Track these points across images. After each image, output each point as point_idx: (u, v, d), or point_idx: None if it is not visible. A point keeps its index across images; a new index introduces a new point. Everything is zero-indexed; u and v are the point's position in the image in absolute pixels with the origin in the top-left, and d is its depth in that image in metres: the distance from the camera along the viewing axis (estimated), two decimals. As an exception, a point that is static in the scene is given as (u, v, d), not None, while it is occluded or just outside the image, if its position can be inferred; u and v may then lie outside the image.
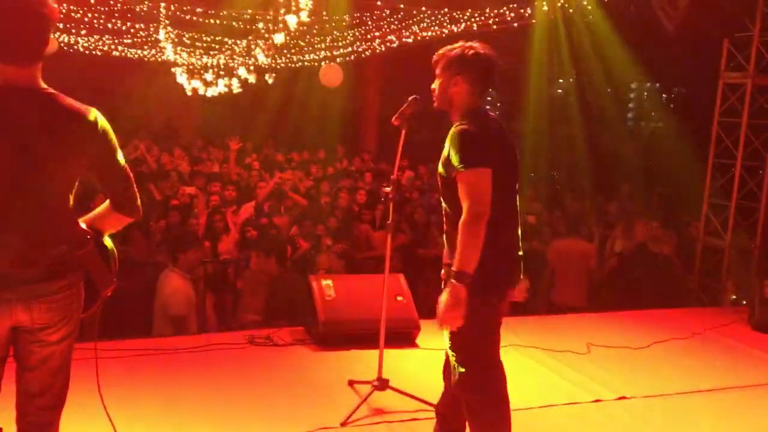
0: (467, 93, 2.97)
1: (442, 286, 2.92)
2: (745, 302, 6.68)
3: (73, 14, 10.27)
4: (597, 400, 4.24)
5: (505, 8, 9.00)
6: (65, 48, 13.56)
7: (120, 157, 2.49)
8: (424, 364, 4.54)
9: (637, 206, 9.64)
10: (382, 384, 3.89)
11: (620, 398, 4.29)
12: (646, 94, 19.90)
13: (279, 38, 8.64)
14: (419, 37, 11.29)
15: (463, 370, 2.96)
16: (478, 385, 2.97)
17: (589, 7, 8.57)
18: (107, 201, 2.56)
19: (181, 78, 15.37)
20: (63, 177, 2.37)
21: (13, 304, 2.30)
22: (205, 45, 13.11)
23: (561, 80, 18.18)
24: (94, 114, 2.40)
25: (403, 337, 4.91)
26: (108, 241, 2.59)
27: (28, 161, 2.26)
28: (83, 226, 2.49)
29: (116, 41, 13.44)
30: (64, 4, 9.47)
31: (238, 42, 12.73)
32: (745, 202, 7.21)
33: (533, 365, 4.78)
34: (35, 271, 2.31)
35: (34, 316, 2.33)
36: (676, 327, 5.75)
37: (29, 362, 2.41)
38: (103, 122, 2.42)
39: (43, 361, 2.41)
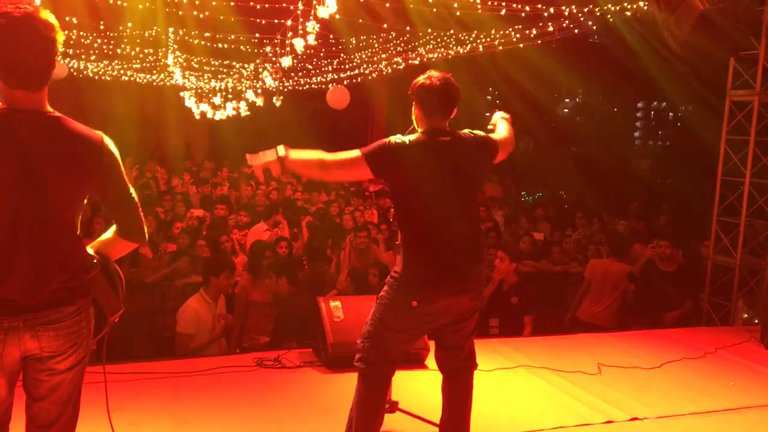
0: (419, 117, 3.33)
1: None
2: (757, 321, 6.61)
3: (82, 40, 10.38)
4: (609, 422, 4.19)
5: (510, 29, 9.03)
6: (74, 73, 13.72)
7: (127, 182, 2.46)
8: (433, 386, 4.46)
9: (645, 225, 9.58)
10: (391, 406, 3.86)
11: (632, 419, 4.24)
12: (653, 113, 19.95)
13: (286, 61, 8.71)
14: (425, 59, 11.34)
15: (359, 341, 3.29)
16: (363, 359, 3.26)
17: (594, 27, 8.59)
18: (113, 227, 2.53)
19: (190, 102, 15.50)
20: (69, 201, 2.34)
21: (22, 332, 2.25)
22: (213, 69, 13.24)
23: (567, 100, 18.24)
24: (101, 138, 2.38)
25: (413, 359, 4.88)
26: (114, 266, 2.56)
27: (35, 185, 2.24)
28: (90, 251, 2.47)
29: (125, 66, 13.59)
30: (74, 30, 9.58)
31: (246, 66, 12.84)
32: (755, 220, 7.18)
33: (544, 386, 4.74)
34: (42, 298, 2.27)
35: (42, 344, 2.29)
36: (687, 346, 5.70)
37: (38, 392, 2.36)
38: (110, 146, 2.40)
39: (52, 390, 2.36)
